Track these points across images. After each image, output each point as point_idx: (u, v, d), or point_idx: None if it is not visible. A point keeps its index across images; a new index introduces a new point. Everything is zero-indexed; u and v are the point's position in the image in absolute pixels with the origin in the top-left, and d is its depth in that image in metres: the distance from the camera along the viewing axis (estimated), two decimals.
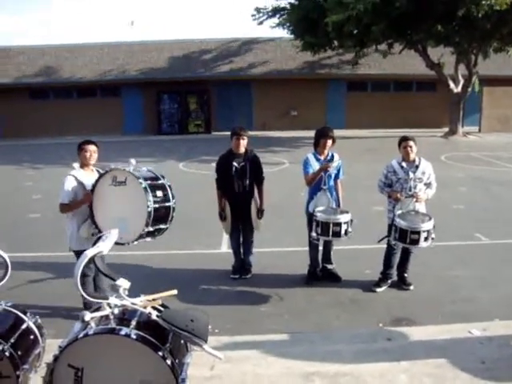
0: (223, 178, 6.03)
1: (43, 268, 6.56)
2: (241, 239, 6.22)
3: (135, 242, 4.30)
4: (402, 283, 5.86)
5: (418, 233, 5.14)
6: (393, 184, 5.67)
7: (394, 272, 5.93)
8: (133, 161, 4.32)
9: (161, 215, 4.27)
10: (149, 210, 4.09)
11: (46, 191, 11.29)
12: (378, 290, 5.79)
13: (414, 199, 5.50)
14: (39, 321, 3.65)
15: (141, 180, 4.17)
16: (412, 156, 5.59)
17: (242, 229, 6.19)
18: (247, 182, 5.98)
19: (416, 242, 5.16)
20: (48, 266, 6.58)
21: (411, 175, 5.55)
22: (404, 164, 5.61)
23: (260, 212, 6.11)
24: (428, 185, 5.64)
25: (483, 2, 15.74)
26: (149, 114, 25.11)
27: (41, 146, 21.22)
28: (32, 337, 3.46)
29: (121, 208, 4.32)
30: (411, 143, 5.56)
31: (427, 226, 5.17)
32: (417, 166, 5.60)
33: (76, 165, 4.84)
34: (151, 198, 4.11)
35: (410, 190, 5.56)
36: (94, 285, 4.98)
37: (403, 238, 5.21)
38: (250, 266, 6.25)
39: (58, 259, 6.61)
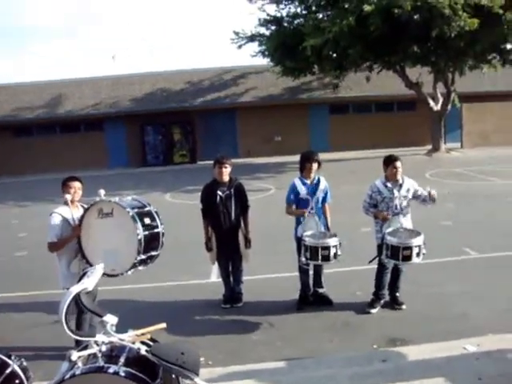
0: (208, 208, 5.98)
1: (31, 308, 6.42)
2: (230, 268, 6.15)
3: (129, 272, 4.28)
4: (394, 303, 5.82)
5: (410, 248, 5.16)
6: (378, 204, 5.70)
7: (386, 292, 5.90)
8: (101, 191, 4.33)
9: (152, 242, 4.27)
10: (139, 237, 4.08)
11: (32, 229, 11.16)
12: (373, 310, 5.75)
13: (433, 201, 5.52)
14: (24, 363, 3.53)
15: (128, 209, 4.17)
16: (399, 176, 5.64)
17: (230, 258, 6.13)
18: (232, 210, 5.94)
19: (408, 258, 5.18)
20: (36, 306, 6.44)
21: (396, 194, 5.60)
22: (388, 184, 5.65)
23: (247, 242, 6.06)
24: (420, 196, 5.66)
25: (453, 24, 16.18)
26: (133, 147, 25.14)
27: (26, 183, 21.09)
28: (17, 381, 3.34)
29: (110, 239, 4.29)
30: (398, 164, 5.59)
31: (418, 241, 5.20)
32: (401, 185, 5.65)
33: (68, 196, 4.77)
34: (140, 226, 4.11)
35: (396, 209, 5.59)
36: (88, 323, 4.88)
37: (395, 255, 5.23)
38: (240, 294, 6.18)
39: (45, 298, 6.49)
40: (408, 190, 5.65)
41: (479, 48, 18.42)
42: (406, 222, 5.65)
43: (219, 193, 5.90)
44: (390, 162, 5.65)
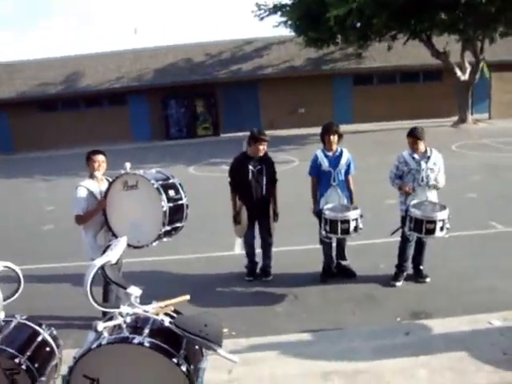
0: (239, 182, 5.93)
1: (59, 279, 6.59)
2: (255, 242, 6.16)
3: (154, 244, 4.36)
4: (418, 276, 5.78)
5: (434, 222, 5.09)
6: (404, 175, 5.61)
7: (410, 265, 5.86)
8: (127, 164, 4.39)
9: (176, 213, 4.34)
10: (164, 209, 4.16)
11: (58, 202, 11.35)
12: (397, 283, 5.73)
13: (427, 188, 5.43)
14: (54, 332, 3.64)
15: (152, 181, 4.23)
16: (420, 150, 5.54)
17: (260, 232, 6.12)
18: (264, 184, 5.90)
19: (432, 231, 5.11)
20: (64, 277, 6.60)
21: (423, 165, 5.50)
22: (415, 155, 5.56)
23: (275, 215, 6.05)
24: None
25: None
26: (156, 120, 25.17)
27: (51, 157, 21.39)
28: (48, 349, 3.46)
29: (135, 211, 4.39)
30: (416, 140, 5.49)
31: (442, 215, 5.12)
32: (428, 157, 5.55)
33: (98, 173, 4.82)
34: (165, 198, 4.19)
35: (423, 181, 5.50)
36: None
37: (419, 228, 5.16)
38: (269, 268, 6.19)
39: (73, 270, 6.63)
40: (435, 164, 5.55)
41: (511, 14, 17.70)
42: (432, 195, 5.56)
43: (251, 167, 5.85)
44: (410, 135, 5.57)
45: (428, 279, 5.70)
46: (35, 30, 62.70)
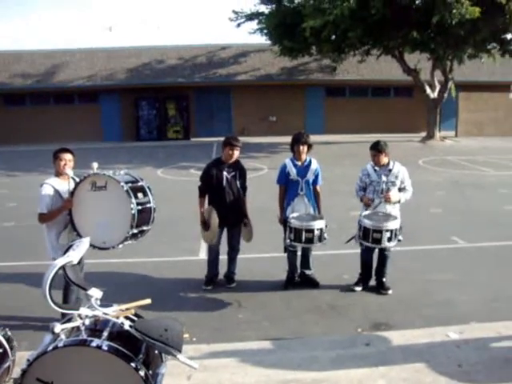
0: (213, 188, 5.90)
1: (17, 278, 6.40)
2: (220, 249, 6.13)
3: (120, 246, 4.31)
4: (380, 288, 5.86)
5: (381, 232, 5.22)
6: (367, 187, 5.73)
7: (372, 274, 5.94)
8: (94, 164, 4.35)
9: (144, 217, 4.30)
10: (133, 212, 4.12)
11: (21, 199, 11.09)
12: (357, 288, 5.86)
13: (385, 201, 5.54)
14: (9, 333, 3.53)
15: (122, 183, 4.18)
16: (381, 163, 5.66)
17: (228, 238, 6.10)
18: (237, 191, 5.91)
19: (378, 241, 5.25)
20: (23, 276, 6.42)
21: (384, 178, 5.63)
22: (377, 167, 5.68)
23: (247, 220, 6.05)
24: (402, 189, 5.69)
25: (455, 11, 16.03)
26: (127, 121, 24.90)
27: (16, 153, 20.87)
28: (1, 350, 3.35)
29: (102, 213, 4.33)
30: (377, 153, 5.64)
31: (391, 225, 5.24)
32: (390, 170, 5.67)
33: (70, 171, 4.71)
34: (134, 201, 4.15)
35: (382, 193, 5.60)
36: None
37: (366, 236, 5.31)
38: (234, 274, 6.17)
39: (33, 269, 6.45)
40: (396, 177, 5.66)
41: (479, 37, 18.30)
42: (393, 208, 5.65)
43: (225, 174, 5.85)
44: (372, 149, 5.72)
45: (390, 291, 5.79)
46: (5, 21, 61.22)
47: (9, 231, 8.92)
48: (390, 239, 5.25)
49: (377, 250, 5.82)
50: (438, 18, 16.41)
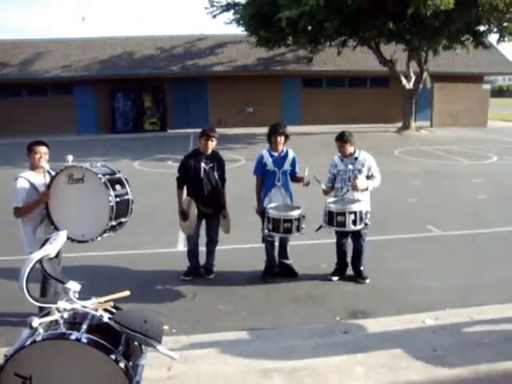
0: (190, 179, 5.88)
1: None
2: (199, 241, 6.13)
3: (99, 238, 4.29)
4: (358, 277, 5.94)
5: (344, 214, 5.31)
6: (335, 177, 5.84)
7: (348, 262, 6.03)
8: (69, 157, 4.32)
9: (122, 209, 4.29)
10: (111, 204, 4.11)
11: None
12: (334, 278, 5.94)
13: (352, 189, 5.62)
14: None
15: (100, 175, 4.16)
16: (346, 153, 5.77)
17: (207, 230, 6.11)
18: (215, 182, 5.90)
19: (343, 224, 5.35)
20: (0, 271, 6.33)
21: (350, 167, 5.72)
22: (344, 157, 5.80)
23: (225, 212, 6.05)
24: (370, 177, 5.77)
25: (429, 2, 16.21)
26: (103, 113, 24.58)
27: None
28: None
29: (80, 205, 4.30)
30: (342, 143, 5.74)
31: (354, 207, 5.34)
32: (356, 158, 5.76)
33: (46, 165, 4.63)
34: (112, 193, 4.13)
35: (349, 181, 5.68)
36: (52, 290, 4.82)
37: (331, 221, 5.41)
38: (212, 266, 6.18)
39: (9, 264, 6.36)
40: (363, 165, 5.74)
41: (453, 28, 18.57)
42: (362, 195, 5.70)
43: (203, 165, 5.83)
44: (337, 140, 5.82)
45: (368, 280, 5.87)
46: None
47: None
48: (354, 222, 5.33)
49: (351, 240, 5.90)
50: (413, 9, 16.57)
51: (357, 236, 5.83)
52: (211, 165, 5.89)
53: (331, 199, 5.63)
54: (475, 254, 6.77)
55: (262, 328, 4.80)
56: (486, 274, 6.02)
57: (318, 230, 5.76)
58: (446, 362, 3.98)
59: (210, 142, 5.84)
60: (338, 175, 5.82)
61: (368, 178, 5.76)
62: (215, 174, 5.91)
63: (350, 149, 5.76)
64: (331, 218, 5.40)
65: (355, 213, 5.33)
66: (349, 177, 5.71)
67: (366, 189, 5.72)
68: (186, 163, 5.92)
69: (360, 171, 5.72)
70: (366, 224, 5.51)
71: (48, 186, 4.39)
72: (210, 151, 5.89)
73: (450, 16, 17.30)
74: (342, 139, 5.75)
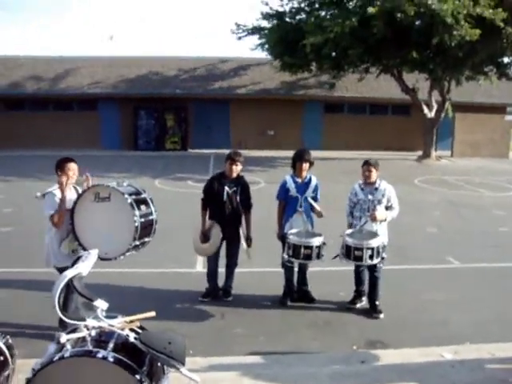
0: (213, 201, 5.96)
1: (15, 285, 6.40)
2: (219, 262, 6.17)
3: (121, 257, 4.36)
4: (372, 311, 5.80)
5: (362, 249, 5.28)
6: (355, 206, 5.84)
7: (364, 289, 6.00)
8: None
9: (146, 228, 4.37)
10: (136, 224, 4.18)
11: (17, 204, 11.08)
12: (353, 306, 5.92)
13: (371, 220, 5.61)
14: (10, 341, 3.56)
15: (126, 196, 4.24)
16: (371, 179, 5.77)
17: (227, 251, 6.14)
18: (237, 207, 5.95)
19: (360, 258, 5.32)
20: (20, 283, 6.42)
21: (370, 197, 5.72)
22: (364, 186, 5.80)
23: (249, 240, 6.08)
24: (389, 208, 5.77)
25: (454, 33, 16.30)
26: (126, 130, 24.97)
27: (14, 158, 20.85)
28: (1, 358, 3.37)
29: (105, 224, 4.37)
30: (371, 168, 5.75)
31: (372, 243, 5.30)
32: (376, 188, 5.76)
33: (86, 185, 4.74)
34: (137, 213, 4.22)
35: (368, 211, 5.68)
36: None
37: (348, 254, 5.38)
38: (231, 288, 6.19)
39: (31, 275, 6.49)
40: (383, 195, 5.74)
41: (477, 59, 18.61)
42: (380, 227, 5.68)
43: (227, 189, 5.90)
44: (364, 164, 5.84)
45: (381, 315, 5.72)
46: (5, 25, 61.43)
47: (6, 236, 8.91)
48: (371, 257, 5.30)
49: (368, 272, 5.89)
50: (437, 39, 16.67)
51: (372, 269, 5.78)
52: (235, 189, 5.95)
53: (349, 231, 5.61)
54: (496, 287, 6.69)
55: (279, 353, 4.80)
56: (508, 309, 5.95)
57: (335, 258, 5.77)
58: None
59: (234, 167, 5.91)
60: (358, 204, 5.81)
61: (387, 208, 5.75)
62: (238, 198, 5.96)
63: (375, 176, 5.77)
64: (348, 252, 5.37)
65: (373, 248, 5.30)
66: (368, 207, 5.71)
67: (385, 220, 5.73)
68: (210, 185, 6.01)
69: (380, 202, 5.72)
70: (382, 258, 5.50)
71: (74, 203, 4.49)
72: (234, 175, 5.96)
73: (475, 47, 17.36)
74: (369, 163, 5.77)
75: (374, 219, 5.57)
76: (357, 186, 5.90)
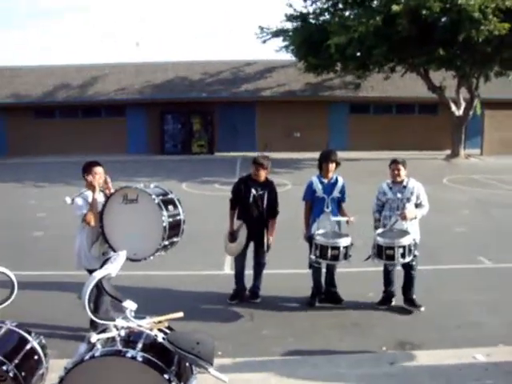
0: (240, 202, 6.03)
1: (47, 287, 6.56)
2: (245, 263, 6.19)
3: (151, 257, 4.42)
4: (411, 306, 5.79)
5: (393, 248, 5.23)
6: (383, 205, 5.81)
7: (395, 291, 5.94)
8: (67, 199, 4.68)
9: (174, 229, 4.43)
10: (164, 224, 4.23)
11: (49, 209, 11.33)
12: (381, 307, 5.87)
13: (401, 219, 5.54)
14: (43, 341, 3.65)
15: (153, 196, 4.31)
16: (400, 178, 5.73)
17: (254, 253, 6.16)
18: (262, 210, 5.98)
19: (392, 257, 5.28)
20: (52, 285, 6.58)
21: (399, 195, 5.68)
22: (392, 185, 5.76)
23: (268, 247, 6.10)
24: (419, 205, 5.71)
25: (482, 28, 15.98)
26: (153, 134, 25.27)
27: (45, 164, 21.31)
28: (36, 357, 3.46)
29: (134, 225, 4.44)
30: (399, 166, 5.72)
31: (403, 241, 5.25)
32: (404, 187, 5.72)
33: (110, 191, 4.87)
34: (165, 213, 4.27)
35: (398, 210, 5.62)
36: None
37: (380, 254, 5.34)
38: (258, 290, 6.20)
39: (62, 278, 6.62)
40: (412, 193, 5.70)
41: (506, 54, 18.18)
42: (411, 225, 5.64)
43: (253, 191, 5.94)
44: (392, 163, 5.81)
45: (422, 308, 5.72)
46: (36, 33, 62.82)
47: (38, 241, 9.12)
48: (403, 255, 5.26)
49: (403, 271, 5.81)
50: (464, 35, 16.38)
51: (407, 267, 5.74)
52: (261, 192, 5.97)
53: (380, 230, 5.57)
54: None
55: (308, 354, 4.78)
56: None
57: (367, 259, 5.72)
58: None
59: (261, 171, 5.93)
60: (387, 203, 5.78)
61: (416, 206, 5.70)
62: (264, 201, 5.97)
63: (403, 174, 5.73)
64: (380, 251, 5.34)
65: (404, 247, 5.26)
66: (397, 206, 5.68)
67: (415, 217, 5.66)
68: (238, 187, 6.08)
69: (409, 200, 5.68)
70: (414, 256, 5.44)
71: (103, 206, 4.57)
72: (261, 179, 5.99)
73: (504, 41, 16.96)
74: (397, 162, 5.75)
75: (404, 218, 5.52)
76: (385, 185, 5.86)
